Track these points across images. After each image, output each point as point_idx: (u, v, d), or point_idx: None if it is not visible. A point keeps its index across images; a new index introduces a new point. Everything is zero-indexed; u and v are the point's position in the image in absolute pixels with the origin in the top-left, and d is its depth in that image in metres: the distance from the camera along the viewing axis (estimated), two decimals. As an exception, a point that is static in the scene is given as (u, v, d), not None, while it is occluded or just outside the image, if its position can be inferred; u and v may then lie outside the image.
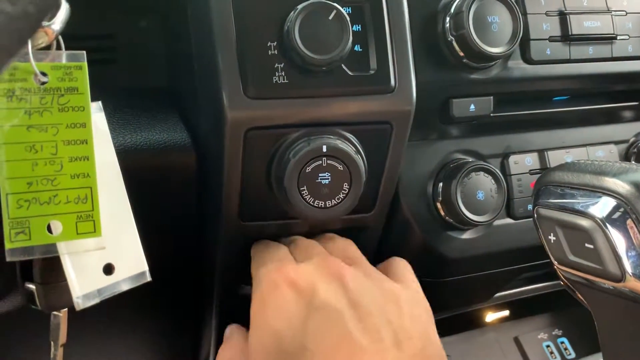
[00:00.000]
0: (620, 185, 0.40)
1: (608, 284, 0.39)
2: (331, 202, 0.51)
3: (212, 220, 0.59)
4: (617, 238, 0.38)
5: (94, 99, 0.40)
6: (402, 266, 0.55)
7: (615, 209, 0.39)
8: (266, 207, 0.55)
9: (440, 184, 0.59)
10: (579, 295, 0.43)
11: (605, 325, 0.41)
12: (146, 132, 0.57)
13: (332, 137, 0.51)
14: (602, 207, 0.40)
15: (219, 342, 0.68)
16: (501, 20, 0.54)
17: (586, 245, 0.40)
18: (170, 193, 0.59)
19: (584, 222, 0.40)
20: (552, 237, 0.42)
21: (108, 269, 0.38)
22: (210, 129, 0.54)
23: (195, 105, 0.58)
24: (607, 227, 0.39)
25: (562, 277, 0.44)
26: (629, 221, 0.39)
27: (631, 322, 0.39)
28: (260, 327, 0.47)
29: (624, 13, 0.62)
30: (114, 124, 0.56)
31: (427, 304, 0.50)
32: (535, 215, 0.44)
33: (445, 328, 0.72)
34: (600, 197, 0.40)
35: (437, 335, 0.46)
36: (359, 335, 0.42)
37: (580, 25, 0.60)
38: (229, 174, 0.53)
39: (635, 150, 0.69)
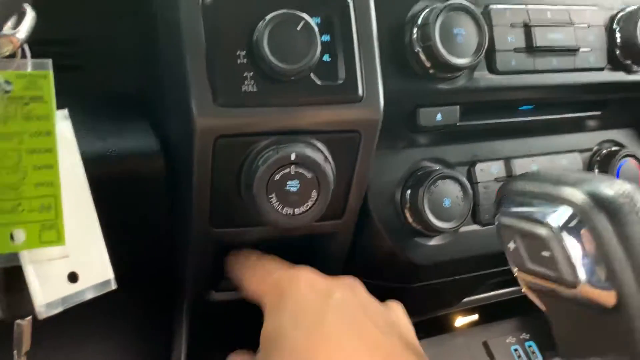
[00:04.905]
0: (577, 195, 0.41)
1: (563, 290, 0.40)
2: (299, 210, 0.52)
3: (182, 226, 0.59)
4: (572, 246, 0.40)
5: (60, 106, 0.40)
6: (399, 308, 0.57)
7: (571, 218, 0.41)
8: (236, 213, 0.55)
9: (408, 192, 0.60)
10: (538, 301, 0.44)
11: (561, 331, 0.42)
12: (114, 139, 0.57)
13: (300, 145, 0.52)
14: (559, 216, 0.41)
15: (190, 346, 0.68)
16: (467, 32, 0.56)
17: (543, 253, 0.41)
18: (139, 199, 0.58)
19: (541, 231, 0.41)
20: (511, 245, 0.44)
21: (72, 277, 0.38)
22: (180, 136, 0.54)
23: (164, 112, 0.58)
24: (562, 236, 0.40)
25: (521, 283, 0.45)
26: (583, 230, 0.40)
27: (586, 328, 0.41)
28: (278, 316, 0.50)
29: (586, 26, 0.64)
30: (82, 131, 0.55)
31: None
32: (497, 223, 0.46)
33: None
34: (557, 206, 0.41)
35: None
36: (374, 329, 0.49)
37: (544, 37, 0.61)
38: (198, 181, 0.53)
39: (599, 158, 0.71)
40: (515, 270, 0.44)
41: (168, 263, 0.65)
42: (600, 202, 0.40)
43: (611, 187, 0.41)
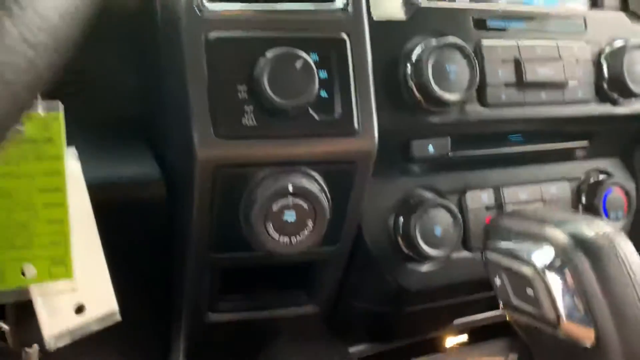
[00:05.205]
0: (559, 236, 0.43)
1: (545, 328, 0.42)
2: (296, 239, 0.54)
3: (181, 249, 0.61)
4: (555, 286, 0.42)
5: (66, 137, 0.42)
6: None
7: (554, 258, 0.43)
8: (235, 238, 0.57)
9: (401, 219, 0.62)
10: (523, 335, 0.46)
11: (543, 364, 0.45)
12: (116, 166, 0.59)
13: (298, 176, 0.54)
14: (543, 255, 0.43)
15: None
16: (459, 68, 0.58)
17: (527, 290, 0.43)
18: (138, 223, 0.60)
19: (526, 269, 0.43)
20: (497, 280, 0.46)
21: (79, 309, 0.40)
22: (180, 164, 0.56)
23: (165, 138, 0.60)
24: (545, 275, 0.42)
25: (507, 317, 0.47)
26: (566, 270, 0.42)
27: (566, 363, 0.43)
28: None
29: (574, 60, 0.66)
30: (84, 157, 0.57)
31: None
32: (483, 258, 0.48)
33: (404, 354, 0.76)
34: (541, 245, 0.44)
35: None
36: None
37: (534, 72, 0.63)
38: (198, 209, 0.55)
39: (586, 186, 0.73)
40: (501, 304, 0.46)
41: (166, 283, 0.67)
42: (582, 244, 0.42)
43: (592, 229, 0.43)
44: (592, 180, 0.73)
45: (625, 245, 0.43)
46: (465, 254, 0.66)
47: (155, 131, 0.62)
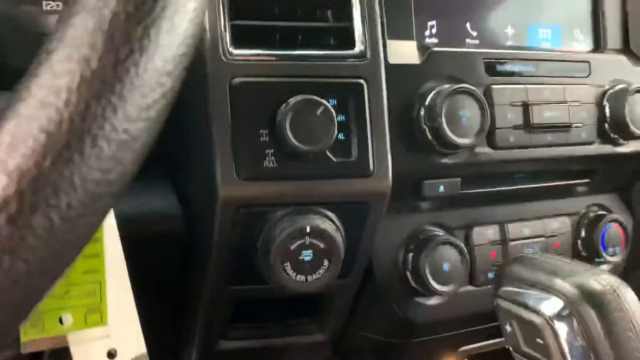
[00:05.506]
0: (568, 288, 0.45)
1: (554, 376, 0.45)
2: (312, 277, 0.56)
3: (197, 281, 0.62)
4: (564, 337, 0.44)
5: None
6: None
7: (563, 309, 0.45)
8: (250, 273, 0.59)
9: (410, 255, 0.65)
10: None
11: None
12: (137, 199, 0.60)
13: (315, 217, 0.56)
14: (552, 306, 0.45)
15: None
16: (471, 113, 0.60)
17: (537, 339, 0.45)
18: (155, 255, 0.62)
19: (535, 319, 0.45)
20: (508, 327, 0.48)
21: (111, 354, 0.41)
22: (201, 202, 0.58)
23: (186, 175, 0.62)
24: (555, 326, 0.45)
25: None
26: (573, 320, 0.45)
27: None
28: None
29: (578, 104, 0.69)
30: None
31: None
32: (495, 304, 0.50)
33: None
34: (550, 296, 0.46)
35: None
36: None
37: (541, 115, 0.66)
38: (217, 245, 0.57)
39: (586, 221, 0.76)
40: (510, 349, 0.48)
41: (179, 311, 0.68)
42: (589, 296, 0.45)
43: (599, 282, 0.45)
44: (591, 216, 0.76)
45: (629, 296, 0.45)
46: (470, 288, 0.68)
47: (177, 166, 0.63)
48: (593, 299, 0.45)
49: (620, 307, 0.44)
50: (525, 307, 0.47)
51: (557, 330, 0.44)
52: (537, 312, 0.46)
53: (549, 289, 0.46)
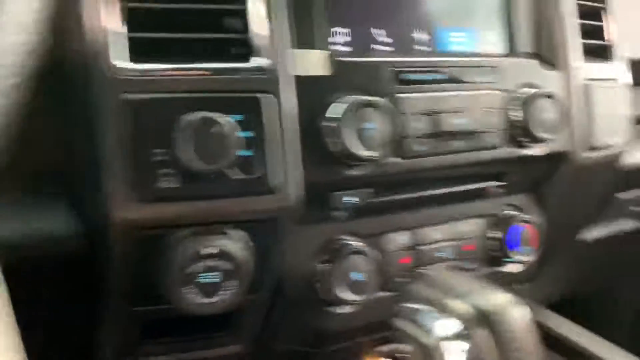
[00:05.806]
0: (462, 308, 0.46)
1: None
2: (218, 298, 0.55)
3: (102, 302, 0.60)
4: (456, 357, 0.45)
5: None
6: None
7: (457, 329, 0.46)
8: (155, 294, 0.57)
9: (320, 266, 0.64)
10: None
11: None
12: (33, 221, 0.57)
13: (217, 237, 0.54)
14: (446, 326, 0.46)
15: None
16: (377, 125, 0.59)
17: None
18: (57, 277, 0.59)
19: (427, 340, 0.46)
20: (408, 348, 0.48)
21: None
22: (97, 224, 0.55)
23: (82, 193, 0.59)
24: (445, 346, 0.45)
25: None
26: (468, 341, 0.45)
27: None
28: None
29: (487, 109, 0.69)
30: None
31: None
32: (393, 325, 0.50)
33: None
34: (445, 316, 0.47)
35: None
36: None
37: (450, 122, 0.66)
38: (117, 267, 0.55)
39: (498, 223, 0.77)
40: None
41: (87, 331, 0.66)
42: (481, 316, 0.45)
43: (490, 301, 0.46)
44: (504, 216, 0.78)
45: (519, 313, 0.47)
46: (382, 294, 0.69)
47: (71, 184, 0.60)
48: (485, 318, 0.45)
49: (508, 325, 0.45)
50: (420, 326, 0.47)
51: (450, 352, 0.45)
52: (429, 333, 0.46)
53: (444, 309, 0.47)
